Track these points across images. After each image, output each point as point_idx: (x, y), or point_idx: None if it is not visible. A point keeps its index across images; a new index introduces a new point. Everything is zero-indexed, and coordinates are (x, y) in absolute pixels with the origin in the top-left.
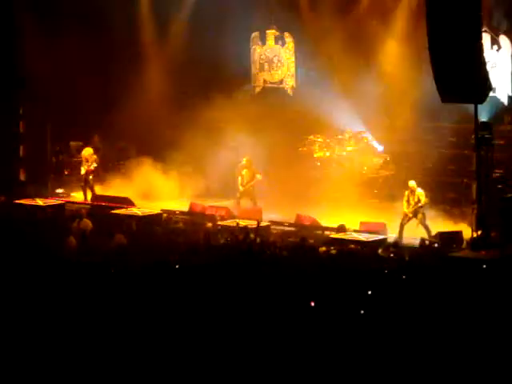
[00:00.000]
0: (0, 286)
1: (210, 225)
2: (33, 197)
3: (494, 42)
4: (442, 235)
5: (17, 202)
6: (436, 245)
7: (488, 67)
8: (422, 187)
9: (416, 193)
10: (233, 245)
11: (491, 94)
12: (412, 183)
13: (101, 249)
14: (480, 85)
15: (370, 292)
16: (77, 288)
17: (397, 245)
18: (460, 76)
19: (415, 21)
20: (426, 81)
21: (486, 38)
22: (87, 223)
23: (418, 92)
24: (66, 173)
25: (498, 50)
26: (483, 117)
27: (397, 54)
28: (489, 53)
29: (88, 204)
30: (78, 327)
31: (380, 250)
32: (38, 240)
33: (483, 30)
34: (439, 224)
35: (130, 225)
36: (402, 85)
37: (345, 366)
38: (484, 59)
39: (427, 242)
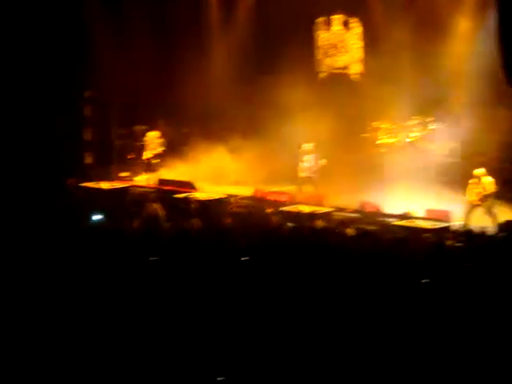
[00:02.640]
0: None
1: (269, 210)
2: (97, 180)
3: None
4: (508, 224)
5: (82, 185)
6: (500, 234)
7: None
8: (490, 175)
9: (483, 180)
10: (295, 231)
11: None
12: (479, 171)
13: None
14: None
15: (426, 280)
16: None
17: (466, 233)
18: None
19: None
20: (492, 69)
21: None
22: (156, 207)
23: (484, 79)
24: (129, 157)
25: None
26: None
27: (461, 41)
28: None
29: (153, 188)
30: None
31: (449, 240)
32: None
33: None
34: (507, 213)
35: (195, 209)
36: (470, 71)
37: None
38: None
39: (487, 231)
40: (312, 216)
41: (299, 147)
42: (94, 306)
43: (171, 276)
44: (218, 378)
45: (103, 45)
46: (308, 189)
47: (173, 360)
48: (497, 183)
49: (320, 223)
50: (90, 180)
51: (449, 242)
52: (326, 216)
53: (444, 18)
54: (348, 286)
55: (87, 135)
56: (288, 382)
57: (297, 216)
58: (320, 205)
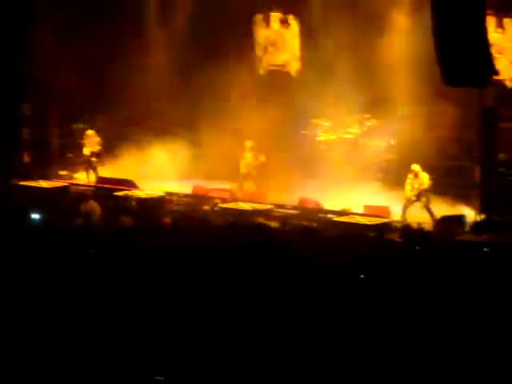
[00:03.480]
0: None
1: (207, 207)
2: (37, 179)
3: (499, 24)
4: (444, 219)
5: (21, 183)
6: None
7: (492, 50)
8: (426, 171)
9: (420, 176)
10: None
11: (496, 77)
12: (416, 166)
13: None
14: (484, 68)
15: (362, 276)
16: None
17: (404, 229)
18: (463, 59)
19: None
20: (427, 65)
21: (490, 21)
22: (93, 205)
23: (419, 76)
24: (69, 155)
25: (502, 33)
26: (488, 100)
27: (400, 38)
28: (493, 36)
29: (92, 186)
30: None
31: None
32: (44, 222)
33: (488, 12)
34: (443, 208)
35: (133, 207)
36: (407, 67)
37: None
38: (488, 42)
39: (423, 226)
40: (252, 213)
41: (240, 144)
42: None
43: (102, 270)
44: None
45: (42, 42)
46: (248, 186)
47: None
48: (432, 178)
49: (260, 220)
50: (30, 179)
51: (388, 238)
52: (266, 213)
53: (383, 14)
54: (287, 283)
55: (25, 134)
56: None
57: (237, 213)
58: (260, 202)
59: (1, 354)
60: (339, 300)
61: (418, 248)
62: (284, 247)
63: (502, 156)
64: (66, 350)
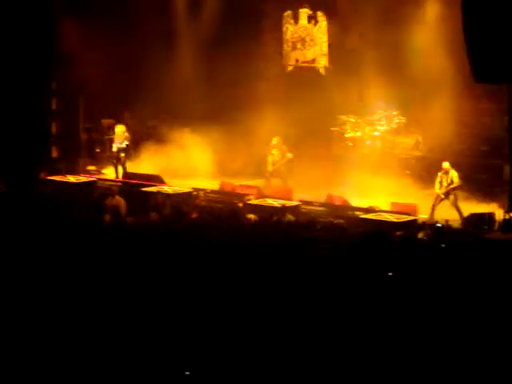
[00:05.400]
0: (33, 258)
1: (241, 204)
2: (64, 173)
3: None
4: (473, 216)
5: (48, 178)
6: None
7: None
8: (455, 168)
9: (449, 174)
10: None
11: None
12: (446, 164)
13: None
14: None
15: (390, 273)
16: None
17: (432, 226)
18: (494, 55)
19: (449, 0)
20: (456, 62)
21: None
22: (119, 200)
23: (449, 72)
24: (97, 150)
25: None
26: None
27: (429, 34)
28: None
29: (119, 181)
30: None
31: (420, 234)
32: (70, 216)
33: None
34: (471, 205)
35: (162, 203)
36: (435, 64)
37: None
38: None
39: (451, 224)
40: (280, 210)
41: (268, 141)
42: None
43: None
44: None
45: (69, 37)
46: (276, 182)
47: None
48: (462, 176)
49: (288, 217)
50: (57, 173)
51: (415, 235)
52: (294, 209)
53: (413, 7)
54: (314, 280)
55: (53, 128)
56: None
57: (265, 209)
58: (288, 198)
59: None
60: (367, 297)
61: (444, 246)
62: (310, 245)
63: None
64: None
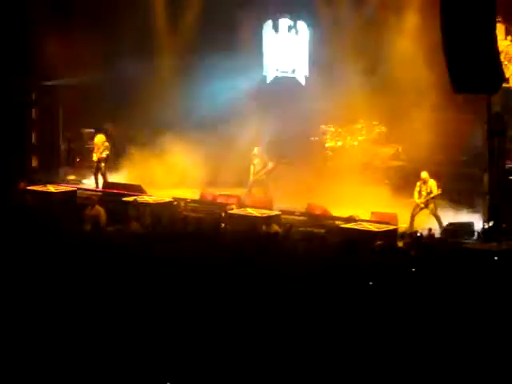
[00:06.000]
0: (16, 269)
1: (223, 214)
2: (44, 183)
3: (508, 32)
4: (452, 226)
5: (28, 188)
6: (444, 236)
7: (501, 58)
8: (434, 178)
9: (428, 183)
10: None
11: (505, 84)
12: (425, 174)
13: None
14: (493, 75)
15: (371, 283)
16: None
17: (412, 235)
18: (473, 66)
19: (428, 12)
20: (435, 72)
21: (500, 29)
22: (99, 210)
23: (428, 83)
24: (77, 160)
25: (511, 41)
26: (496, 107)
27: (409, 45)
28: (502, 43)
29: (100, 191)
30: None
31: (399, 242)
32: (51, 226)
33: (497, 20)
34: (450, 215)
35: (143, 212)
36: (416, 74)
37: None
38: (497, 49)
39: (434, 233)
40: (261, 219)
41: (249, 150)
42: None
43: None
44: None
45: (49, 48)
46: (257, 192)
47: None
48: (441, 186)
49: (274, 227)
50: (37, 183)
51: (395, 244)
52: (274, 219)
53: (393, 18)
54: (296, 289)
55: (33, 138)
56: None
57: (246, 219)
58: (269, 208)
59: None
60: (348, 306)
61: (424, 255)
62: (289, 254)
63: (509, 163)
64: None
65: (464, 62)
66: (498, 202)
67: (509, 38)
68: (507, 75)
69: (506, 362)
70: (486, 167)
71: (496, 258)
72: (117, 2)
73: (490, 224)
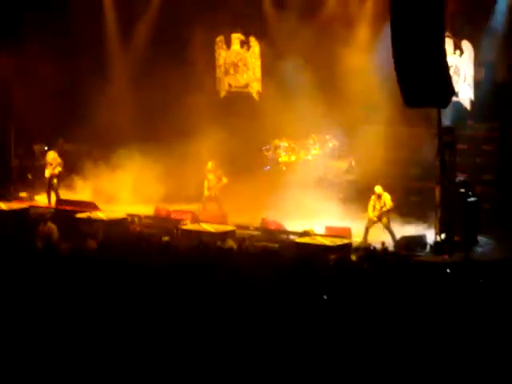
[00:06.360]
0: None
1: (174, 229)
2: None
3: (457, 46)
4: (405, 239)
5: None
6: (397, 249)
7: (451, 72)
8: (387, 191)
9: (382, 197)
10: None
11: (454, 98)
12: (378, 188)
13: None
14: (443, 89)
15: (325, 297)
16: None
17: (366, 249)
18: (423, 80)
19: (380, 26)
20: (387, 86)
21: (448, 43)
22: (52, 227)
23: (380, 97)
24: (29, 176)
25: (460, 55)
26: (446, 121)
27: (360, 58)
28: (451, 58)
29: (52, 208)
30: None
31: (352, 256)
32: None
33: (446, 34)
34: (403, 228)
35: (96, 229)
36: (368, 88)
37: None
38: (447, 64)
39: (387, 246)
40: (215, 235)
41: (202, 165)
42: None
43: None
44: None
45: (2, 63)
46: (211, 207)
47: None
48: (394, 199)
49: (230, 242)
50: None
51: (351, 258)
52: (229, 234)
53: (345, 33)
54: (246, 305)
55: None
56: None
57: (200, 235)
58: (223, 223)
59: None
60: (304, 320)
61: (378, 268)
62: (241, 269)
63: (460, 176)
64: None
65: (414, 77)
66: (449, 214)
67: (457, 52)
68: (456, 89)
69: (456, 372)
70: (438, 180)
71: (448, 270)
72: (69, 16)
73: (442, 237)
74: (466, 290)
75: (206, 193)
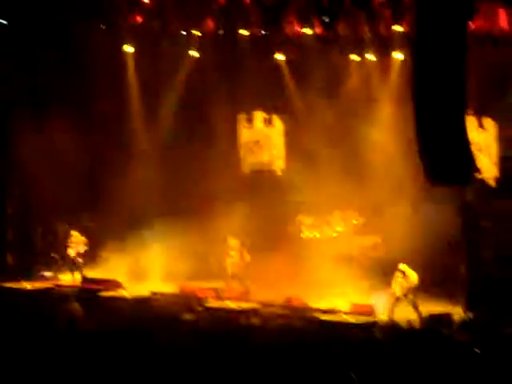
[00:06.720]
0: None
1: (200, 308)
2: (20, 280)
3: (479, 124)
4: (432, 317)
5: (4, 285)
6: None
7: (473, 149)
8: (412, 268)
9: (407, 275)
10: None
11: (478, 175)
12: (403, 266)
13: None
14: (465, 166)
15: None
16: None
17: (391, 327)
18: (445, 158)
19: (400, 107)
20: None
21: (470, 121)
22: (76, 307)
23: (404, 174)
24: (53, 255)
25: (483, 132)
26: (469, 196)
27: (383, 136)
28: (473, 135)
29: (76, 287)
30: None
31: (377, 333)
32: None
33: (468, 112)
34: (429, 305)
35: (120, 308)
36: (394, 164)
37: None
38: (468, 141)
39: (413, 324)
40: (239, 312)
41: (225, 243)
42: None
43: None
44: None
45: (23, 142)
46: (235, 285)
47: None
48: (419, 277)
49: (248, 319)
50: (13, 280)
51: (376, 336)
52: (253, 312)
53: (367, 109)
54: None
55: (9, 235)
56: None
57: (224, 312)
58: (247, 300)
59: None
60: None
61: (404, 347)
62: (265, 347)
63: (486, 254)
64: None
65: (436, 154)
66: (476, 292)
67: (480, 129)
68: (479, 165)
69: None
70: (463, 258)
71: (477, 350)
72: (93, 92)
73: (470, 315)
74: (496, 369)
75: (229, 270)
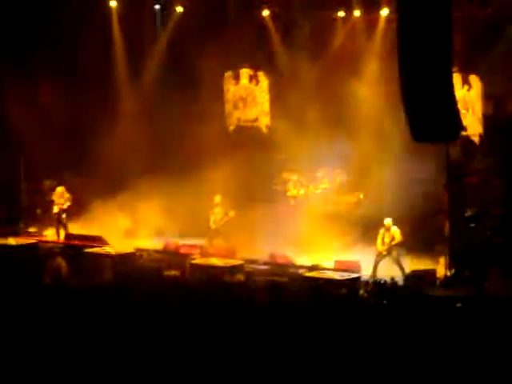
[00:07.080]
0: None
1: (186, 264)
2: (5, 236)
3: (465, 81)
4: (415, 273)
5: None
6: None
7: (459, 106)
8: (396, 225)
9: (391, 231)
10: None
11: (463, 133)
12: (388, 221)
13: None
14: (451, 123)
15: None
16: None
17: (375, 283)
18: (431, 115)
19: (386, 63)
20: (397, 119)
21: (456, 78)
22: (61, 262)
23: (389, 130)
24: (38, 211)
25: (468, 90)
26: (455, 155)
27: (369, 93)
28: (459, 92)
29: (61, 243)
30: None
31: (361, 291)
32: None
33: (454, 69)
34: (413, 262)
35: (105, 263)
36: (374, 123)
37: None
38: (455, 98)
39: (397, 280)
40: (224, 268)
41: (210, 199)
42: None
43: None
44: None
45: (10, 99)
46: (219, 241)
47: None
48: (403, 233)
49: (238, 276)
50: None
51: (360, 293)
52: (237, 268)
53: (354, 66)
54: (257, 339)
55: None
56: None
57: (208, 269)
58: (231, 257)
59: None
60: (311, 355)
61: (386, 303)
62: (249, 303)
63: (470, 210)
64: None
65: (422, 111)
66: (459, 249)
67: (465, 86)
68: (464, 123)
69: None
70: (446, 214)
71: (459, 304)
72: (79, 53)
73: (452, 271)
74: (477, 324)
75: (213, 226)
